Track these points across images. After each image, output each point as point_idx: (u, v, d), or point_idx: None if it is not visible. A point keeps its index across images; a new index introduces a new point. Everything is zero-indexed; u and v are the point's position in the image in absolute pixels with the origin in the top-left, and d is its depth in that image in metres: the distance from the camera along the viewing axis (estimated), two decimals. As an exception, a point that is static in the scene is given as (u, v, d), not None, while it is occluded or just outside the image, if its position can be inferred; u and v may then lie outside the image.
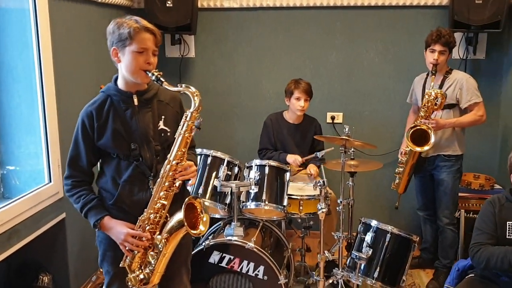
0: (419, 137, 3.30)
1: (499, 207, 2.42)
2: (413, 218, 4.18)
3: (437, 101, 3.25)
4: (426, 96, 3.29)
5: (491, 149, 4.14)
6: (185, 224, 1.99)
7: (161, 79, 2.02)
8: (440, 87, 3.37)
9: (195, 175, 2.16)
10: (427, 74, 3.50)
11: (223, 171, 3.04)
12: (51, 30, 2.93)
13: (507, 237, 2.37)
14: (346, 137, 2.90)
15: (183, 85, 2.06)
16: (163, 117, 2.17)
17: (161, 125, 2.16)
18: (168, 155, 2.07)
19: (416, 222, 4.11)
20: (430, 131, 3.22)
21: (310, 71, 4.14)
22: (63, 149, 3.06)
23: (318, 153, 2.83)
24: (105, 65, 3.68)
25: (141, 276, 2.09)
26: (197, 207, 2.09)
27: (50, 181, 2.99)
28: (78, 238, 3.34)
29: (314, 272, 2.96)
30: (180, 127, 2.08)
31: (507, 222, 2.38)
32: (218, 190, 2.92)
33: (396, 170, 3.58)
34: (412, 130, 3.29)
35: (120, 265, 2.12)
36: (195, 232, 2.05)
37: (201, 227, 2.07)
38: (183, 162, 2.07)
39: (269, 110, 4.07)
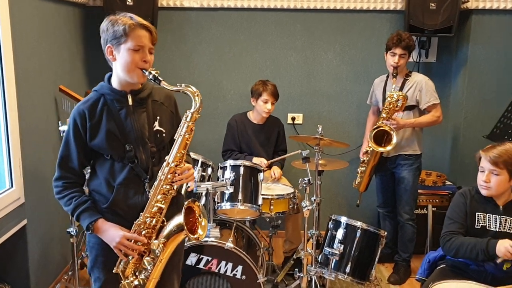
0: (381, 137, 3.45)
1: (470, 198, 2.57)
2: (370, 215, 4.34)
3: (398, 103, 3.39)
4: (389, 98, 3.42)
5: (441, 148, 4.38)
6: (185, 228, 1.94)
7: (159, 78, 1.96)
8: (401, 89, 3.52)
9: (193, 179, 2.12)
10: (387, 76, 3.65)
11: (197, 172, 3.01)
12: (11, 27, 2.78)
13: (475, 226, 2.52)
14: (320, 137, 2.96)
15: (183, 84, 2.00)
16: (158, 117, 2.11)
17: (157, 125, 2.10)
18: (167, 157, 2.02)
19: (373, 219, 4.28)
20: (392, 132, 3.36)
21: (270, 72, 4.19)
22: (25, 152, 2.92)
23: (303, 152, 2.88)
24: (62, 64, 3.57)
25: (136, 283, 2.03)
26: (196, 211, 2.05)
27: (12, 186, 2.84)
28: (39, 245, 3.20)
29: (296, 269, 3.00)
30: (180, 128, 2.02)
31: (476, 213, 2.53)
32: (194, 191, 2.89)
33: (358, 169, 3.70)
34: (375, 131, 3.41)
35: (114, 271, 2.04)
36: (194, 236, 2.00)
37: (200, 232, 2.02)
38: (182, 165, 2.02)
39: (230, 110, 4.09)
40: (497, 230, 2.50)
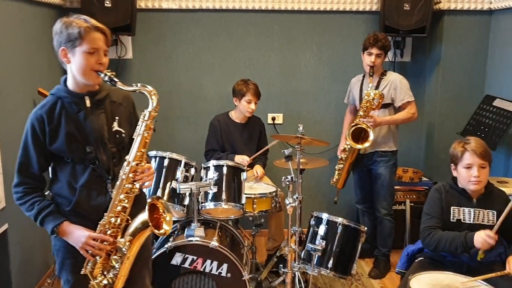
0: (359, 134, 3.53)
1: (445, 193, 2.67)
2: (349, 212, 4.43)
3: (375, 101, 3.48)
4: (366, 97, 3.51)
5: (416, 145, 4.51)
6: (150, 224, 1.98)
7: (115, 79, 1.99)
8: (377, 87, 3.61)
9: (153, 178, 2.16)
10: (363, 76, 3.74)
11: (181, 172, 3.04)
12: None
13: (451, 220, 2.62)
14: (301, 136, 3.02)
15: (139, 84, 2.04)
16: (117, 118, 2.13)
17: (116, 126, 2.13)
18: (127, 156, 2.04)
19: (352, 215, 4.36)
20: (369, 129, 3.45)
21: (250, 73, 4.24)
22: (5, 156, 2.91)
23: (285, 151, 2.93)
24: (40, 66, 3.55)
25: (105, 282, 2.05)
26: (159, 207, 2.09)
27: (-8, 190, 2.82)
28: (21, 250, 3.18)
29: (281, 265, 3.05)
30: (138, 127, 2.06)
31: (451, 207, 2.63)
32: (178, 192, 2.92)
33: (336, 167, 3.78)
34: (352, 129, 3.50)
35: (81, 272, 2.06)
36: (160, 232, 2.05)
37: (165, 227, 2.07)
38: (143, 163, 2.06)
39: (210, 110, 4.13)
40: (472, 222, 2.60)
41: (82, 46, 1.95)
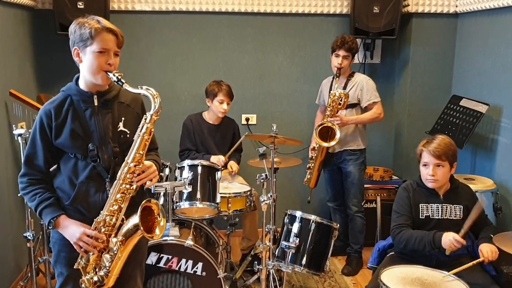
0: (327, 133, 3.61)
1: (413, 191, 2.76)
2: (322, 210, 4.50)
3: (341, 100, 3.57)
4: (331, 97, 3.60)
5: (386, 144, 4.62)
6: (141, 228, 2.00)
7: (122, 80, 2.03)
8: (344, 88, 3.70)
9: (156, 176, 2.17)
10: (333, 77, 3.82)
11: (155, 172, 3.04)
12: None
13: (420, 217, 2.71)
14: (275, 135, 3.08)
15: (144, 87, 2.07)
16: (123, 118, 2.17)
17: (121, 126, 2.16)
18: (126, 157, 2.07)
19: (325, 213, 4.43)
20: (335, 127, 3.53)
21: (223, 74, 4.27)
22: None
23: (260, 149, 2.97)
24: (12, 68, 3.52)
25: (95, 279, 2.06)
26: (154, 210, 2.11)
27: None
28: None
29: (255, 262, 3.10)
30: (139, 129, 2.09)
31: (420, 204, 2.72)
32: (152, 192, 2.93)
33: (307, 166, 3.85)
34: (319, 128, 3.58)
35: (75, 266, 2.09)
36: (150, 236, 2.06)
37: (157, 231, 2.09)
38: (141, 165, 2.08)
39: (184, 111, 4.14)
40: (440, 217, 2.69)
41: (93, 46, 2.01)
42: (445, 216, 2.70)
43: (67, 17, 3.73)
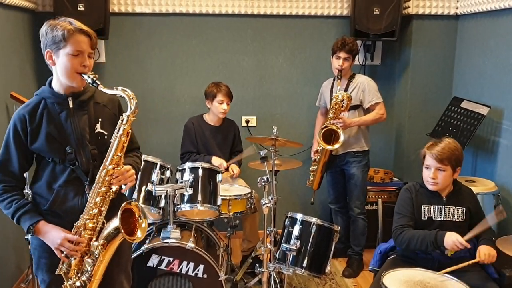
0: (330, 136, 3.60)
1: (415, 192, 2.75)
2: (322, 212, 4.50)
3: (343, 103, 3.56)
4: (334, 99, 3.59)
5: (387, 146, 4.61)
6: (122, 231, 1.98)
7: (97, 81, 2.01)
8: (345, 90, 3.69)
9: (133, 180, 2.14)
10: (334, 79, 3.81)
11: (156, 175, 3.05)
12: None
13: (422, 218, 2.70)
14: (275, 137, 3.07)
15: (120, 88, 2.05)
16: (100, 119, 2.14)
17: (98, 128, 2.13)
18: (104, 160, 2.05)
19: (326, 215, 4.43)
20: (339, 130, 3.52)
21: (223, 76, 4.26)
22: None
23: (261, 152, 2.97)
24: (13, 70, 3.51)
25: (78, 284, 2.05)
26: (135, 212, 2.08)
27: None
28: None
29: (257, 265, 3.09)
30: (116, 131, 2.07)
31: (422, 206, 2.71)
32: (153, 194, 2.93)
33: (311, 168, 3.85)
34: (323, 131, 3.56)
35: (56, 272, 2.06)
36: (132, 238, 2.04)
37: (139, 233, 2.05)
38: (120, 167, 2.06)
39: (184, 114, 4.15)
40: (442, 219, 2.69)
41: (66, 48, 1.98)
42: (448, 218, 2.69)
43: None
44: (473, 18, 4.04)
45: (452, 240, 2.49)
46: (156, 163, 3.09)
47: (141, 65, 4.24)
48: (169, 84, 4.30)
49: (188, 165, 3.20)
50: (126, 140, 2.07)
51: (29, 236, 2.95)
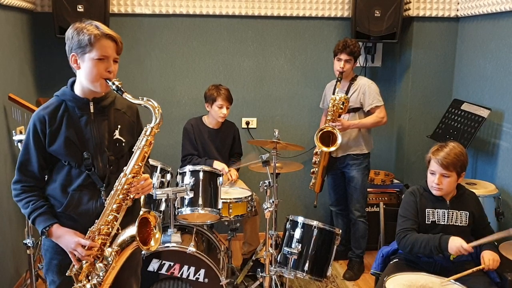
0: (328, 138, 3.59)
1: (419, 196, 2.75)
2: (323, 214, 4.49)
3: (342, 105, 3.56)
4: (332, 101, 3.58)
5: (387, 148, 4.60)
6: (137, 240, 1.98)
7: (122, 88, 1.99)
8: (347, 92, 3.69)
9: (150, 189, 2.15)
10: (337, 81, 3.80)
11: (156, 178, 3.03)
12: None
13: (426, 222, 2.70)
14: (277, 140, 3.06)
15: (145, 98, 2.03)
16: (119, 126, 2.14)
17: (117, 134, 2.13)
18: (125, 168, 2.05)
19: (326, 217, 4.43)
20: (335, 131, 3.51)
21: (224, 77, 4.26)
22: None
23: (263, 156, 2.95)
24: (11, 72, 3.49)
25: (88, 286, 2.05)
26: (151, 222, 2.08)
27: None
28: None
29: (259, 269, 3.07)
30: (139, 141, 2.06)
31: (426, 209, 2.71)
32: (154, 198, 2.91)
33: (311, 171, 3.84)
34: (320, 133, 3.56)
35: (67, 273, 2.06)
36: (146, 247, 2.04)
37: (152, 243, 2.06)
38: (139, 176, 2.06)
39: (184, 115, 4.14)
40: (446, 223, 2.68)
41: (92, 53, 1.96)
42: (451, 222, 2.69)
43: (66, 20, 3.70)
44: (474, 20, 4.04)
45: (456, 245, 2.49)
46: (157, 166, 3.09)
47: (141, 66, 4.22)
48: (169, 85, 4.28)
49: (188, 168, 3.18)
50: (148, 151, 2.08)
51: (27, 241, 3.01)
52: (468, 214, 2.69)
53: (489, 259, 2.51)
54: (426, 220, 2.70)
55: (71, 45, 1.99)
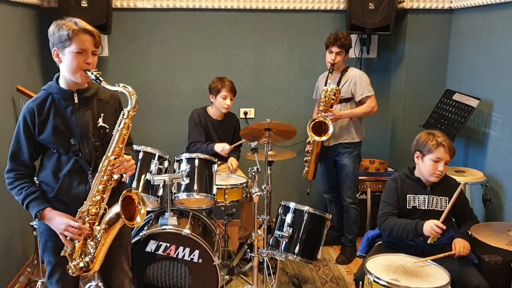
0: (320, 128, 3.71)
1: (401, 182, 2.88)
2: (318, 201, 4.62)
3: (333, 95, 3.68)
4: (323, 92, 3.71)
5: (382, 137, 4.72)
6: (122, 216, 2.15)
7: (100, 78, 2.16)
8: (338, 83, 3.81)
9: (133, 169, 2.31)
10: (328, 72, 3.93)
11: (154, 165, 3.19)
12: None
13: (407, 207, 2.83)
14: (267, 125, 3.21)
15: (121, 84, 2.21)
16: (102, 114, 2.31)
17: (101, 122, 2.31)
18: (106, 151, 2.21)
19: (321, 204, 4.56)
20: (327, 121, 3.64)
21: (223, 70, 4.40)
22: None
23: (252, 143, 3.10)
24: (19, 64, 3.66)
25: (81, 264, 2.22)
26: (135, 199, 2.24)
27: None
28: (2, 241, 3.31)
29: (248, 250, 3.23)
30: (117, 125, 2.23)
31: (407, 195, 2.84)
32: (152, 184, 3.08)
33: (304, 159, 3.98)
34: (312, 123, 3.68)
35: (61, 253, 2.23)
36: (132, 223, 2.21)
37: (138, 219, 2.23)
38: (121, 157, 2.23)
39: (184, 107, 4.30)
40: (426, 208, 2.81)
41: (71, 47, 2.13)
42: (431, 207, 2.82)
43: (71, 15, 3.83)
44: (467, 12, 4.13)
45: (430, 225, 2.62)
46: (155, 154, 3.23)
47: (143, 59, 4.38)
48: (170, 77, 4.43)
49: (185, 155, 3.35)
50: (127, 133, 2.24)
51: (34, 223, 3.19)
52: (448, 199, 2.80)
53: (460, 246, 2.67)
54: (407, 205, 2.83)
55: (53, 41, 2.18)
